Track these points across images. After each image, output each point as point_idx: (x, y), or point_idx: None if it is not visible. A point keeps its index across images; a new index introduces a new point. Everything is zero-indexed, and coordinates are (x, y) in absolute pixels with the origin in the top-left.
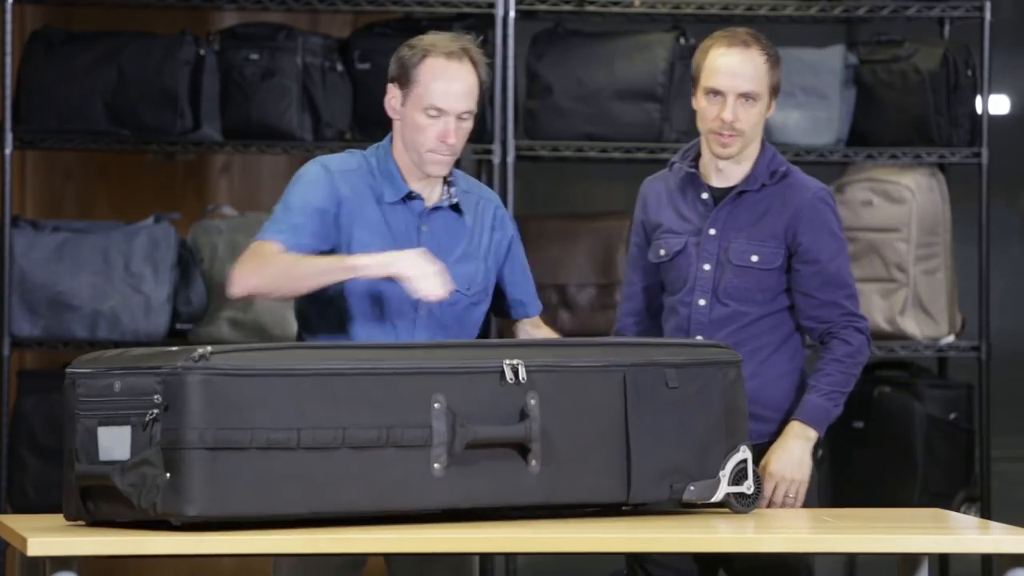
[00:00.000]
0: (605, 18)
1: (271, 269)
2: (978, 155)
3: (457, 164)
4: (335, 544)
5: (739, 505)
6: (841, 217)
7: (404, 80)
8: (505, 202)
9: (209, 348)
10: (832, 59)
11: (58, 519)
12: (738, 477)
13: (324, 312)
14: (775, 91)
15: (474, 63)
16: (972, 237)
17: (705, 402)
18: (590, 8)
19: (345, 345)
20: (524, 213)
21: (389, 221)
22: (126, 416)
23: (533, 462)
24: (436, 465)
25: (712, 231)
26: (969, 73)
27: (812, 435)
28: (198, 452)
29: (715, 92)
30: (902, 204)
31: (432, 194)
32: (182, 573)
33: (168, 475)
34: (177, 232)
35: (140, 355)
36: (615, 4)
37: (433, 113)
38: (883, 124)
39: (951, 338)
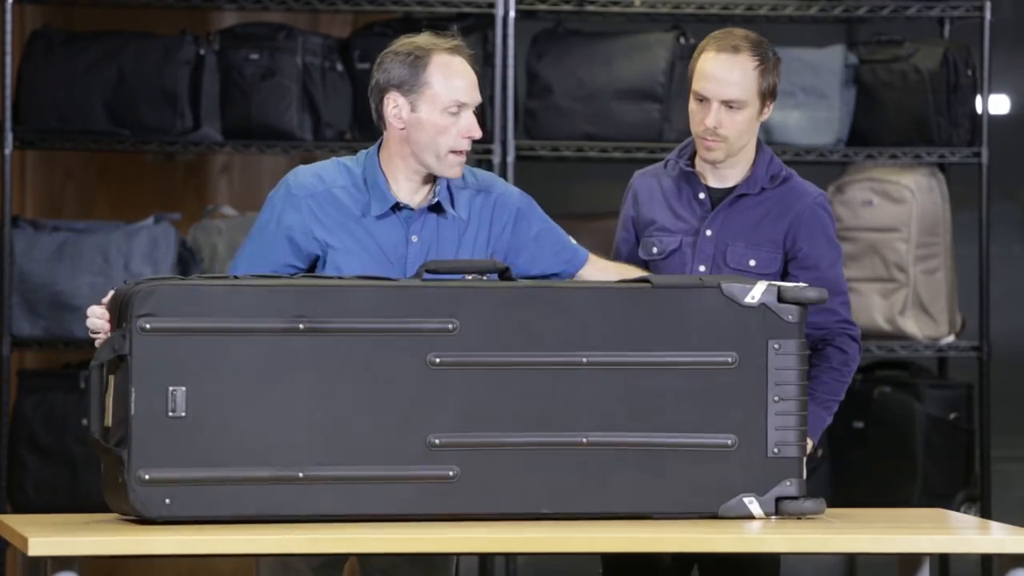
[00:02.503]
0: (605, 18)
1: None
2: (978, 155)
3: None
4: (335, 544)
5: None
6: (838, 219)
7: (410, 85)
8: None
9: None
10: (832, 59)
11: (58, 519)
12: None
13: None
14: (769, 95)
15: (466, 58)
16: (972, 237)
17: None
18: (590, 8)
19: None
20: None
21: (374, 236)
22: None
23: None
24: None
25: (708, 232)
26: (969, 73)
27: (809, 444)
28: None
29: (702, 97)
30: (902, 204)
31: (420, 200)
32: (182, 573)
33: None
34: (177, 232)
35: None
36: (615, 4)
37: (454, 110)
38: (883, 124)
39: (951, 338)
